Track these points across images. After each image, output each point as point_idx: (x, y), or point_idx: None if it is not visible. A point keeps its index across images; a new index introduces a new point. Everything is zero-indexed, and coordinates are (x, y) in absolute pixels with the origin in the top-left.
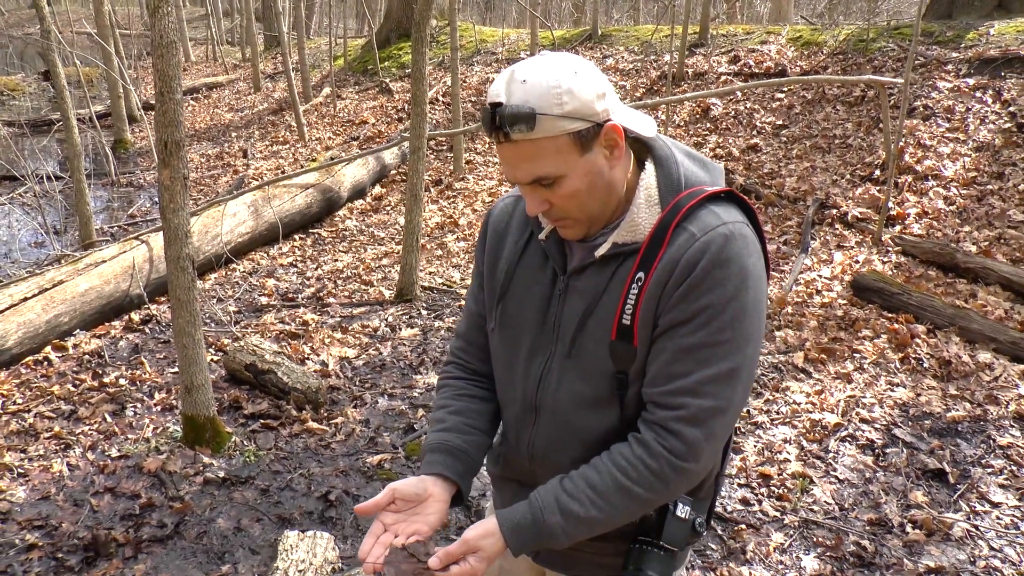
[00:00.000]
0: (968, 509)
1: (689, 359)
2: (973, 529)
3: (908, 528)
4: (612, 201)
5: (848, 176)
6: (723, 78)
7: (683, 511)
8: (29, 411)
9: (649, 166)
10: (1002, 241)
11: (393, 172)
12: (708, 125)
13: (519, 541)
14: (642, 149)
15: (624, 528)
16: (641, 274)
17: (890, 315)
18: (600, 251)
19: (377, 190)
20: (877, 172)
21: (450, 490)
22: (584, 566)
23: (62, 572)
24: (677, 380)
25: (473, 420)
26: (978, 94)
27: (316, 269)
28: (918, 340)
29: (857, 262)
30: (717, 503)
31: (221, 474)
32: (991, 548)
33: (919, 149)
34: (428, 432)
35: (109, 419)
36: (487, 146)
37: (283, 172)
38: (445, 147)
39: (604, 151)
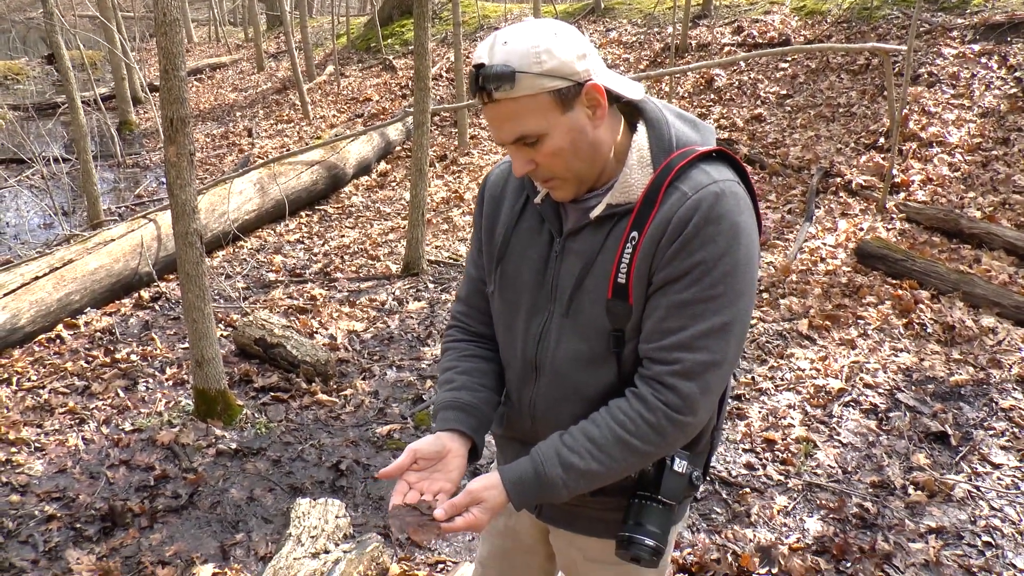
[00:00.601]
0: (969, 470)
1: (683, 314)
2: (974, 490)
3: (910, 490)
4: (599, 161)
5: (852, 144)
6: (727, 49)
7: (680, 465)
8: (44, 387)
9: (641, 128)
10: (1007, 206)
11: (398, 148)
12: (712, 96)
13: (521, 494)
14: (634, 112)
15: (624, 483)
16: (635, 233)
17: (894, 281)
18: (595, 212)
19: (382, 166)
20: (881, 140)
21: (466, 445)
22: (586, 521)
23: (80, 541)
24: (672, 335)
25: (481, 378)
26: (983, 60)
27: (323, 245)
28: (922, 306)
29: (861, 229)
30: (722, 467)
31: (233, 446)
32: (991, 508)
33: (924, 116)
34: (438, 392)
35: (122, 394)
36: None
37: (288, 150)
38: (449, 123)
39: (586, 110)
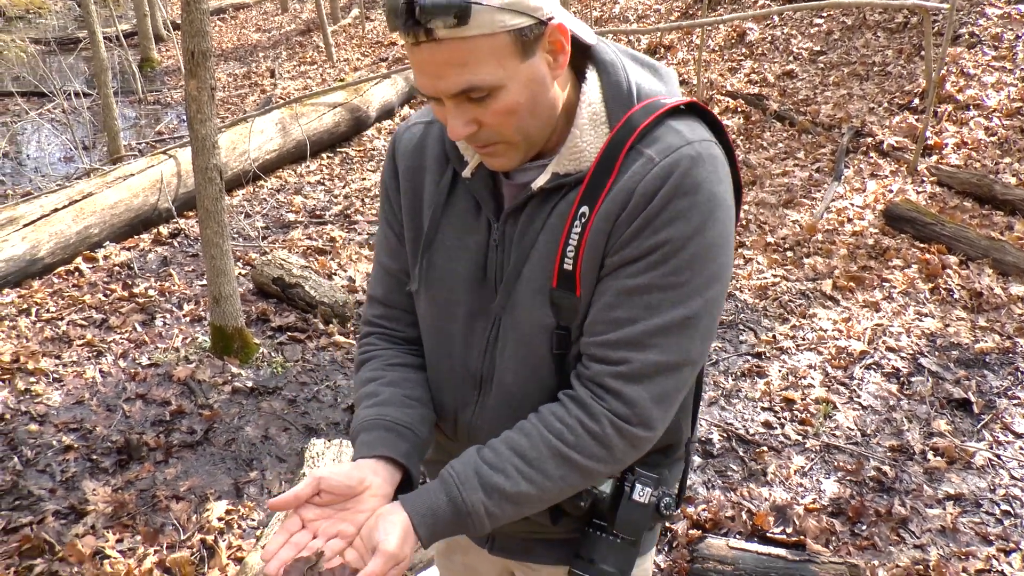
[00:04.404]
0: (991, 439)
1: (635, 303)
2: (995, 458)
3: (930, 455)
4: (551, 122)
5: (886, 104)
6: (760, 2)
7: (641, 493)
8: (62, 319)
9: (591, 76)
10: None
11: None
12: (743, 50)
13: (433, 529)
14: (579, 58)
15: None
16: (585, 208)
17: (922, 245)
18: (538, 182)
19: (406, 111)
20: (916, 101)
21: (395, 476)
22: (545, 548)
23: (97, 473)
24: (619, 328)
25: (412, 391)
26: None
27: (344, 187)
28: (949, 271)
29: (891, 191)
30: (739, 425)
31: (249, 384)
32: (1012, 477)
33: (961, 78)
34: (357, 411)
35: (139, 328)
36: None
37: (311, 92)
38: None
39: (547, 57)
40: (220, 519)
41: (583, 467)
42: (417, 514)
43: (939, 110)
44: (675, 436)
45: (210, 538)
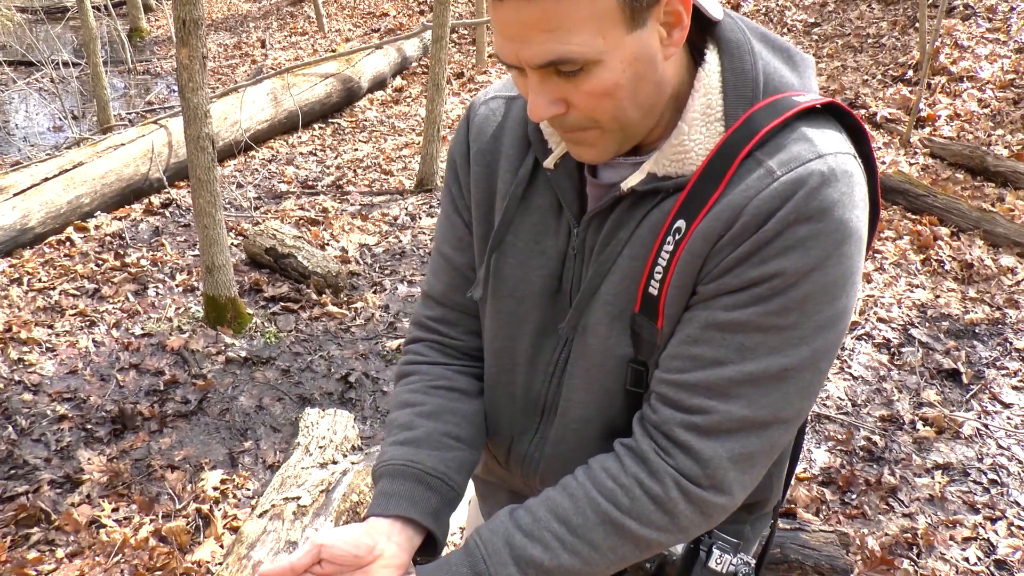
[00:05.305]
0: (979, 409)
1: (725, 342)
2: (983, 428)
3: (919, 425)
4: (657, 110)
5: (879, 76)
6: None
7: (719, 561)
8: (54, 288)
9: (711, 59)
10: None
11: (414, 65)
12: None
13: None
14: (698, 35)
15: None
16: (682, 223)
17: (914, 217)
18: (629, 182)
19: (398, 82)
20: (910, 73)
21: (414, 540)
22: None
23: (92, 442)
24: (701, 369)
25: (454, 427)
26: None
27: (336, 158)
28: (941, 242)
29: (883, 163)
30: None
31: (243, 354)
32: (999, 447)
33: (955, 50)
34: (385, 442)
35: (132, 298)
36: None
37: (303, 62)
38: (468, 40)
39: (660, 30)
40: (215, 488)
41: (639, 537)
42: None
43: (933, 82)
44: (763, 493)
45: (205, 507)
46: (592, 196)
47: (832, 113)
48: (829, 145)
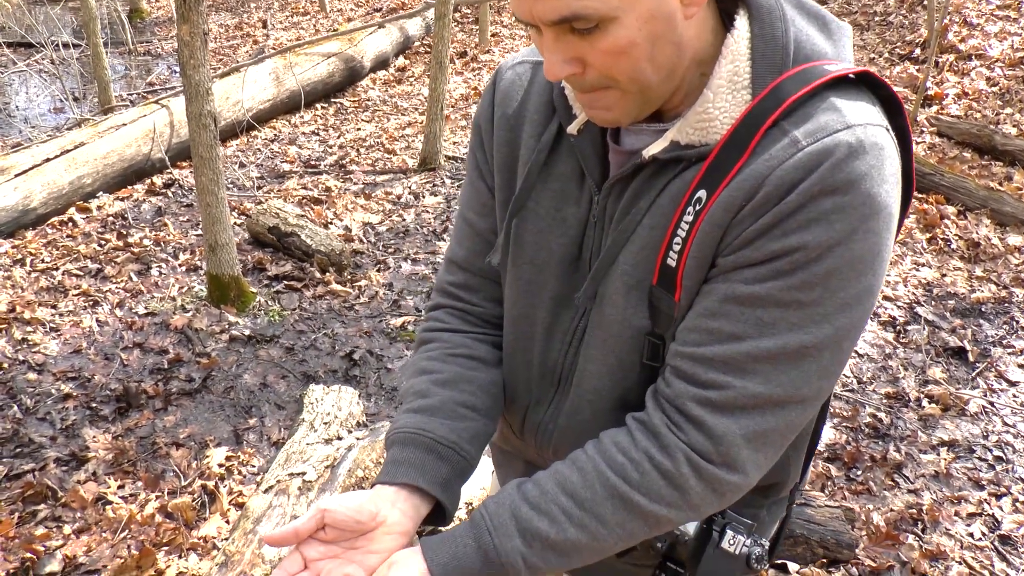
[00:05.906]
0: (985, 386)
1: (744, 316)
2: (988, 406)
3: (924, 403)
4: (677, 73)
5: (887, 55)
6: None
7: (732, 542)
8: (57, 269)
9: (741, 24)
10: None
11: (417, 44)
12: None
13: None
14: (731, 2)
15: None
16: (702, 193)
17: (920, 195)
18: (651, 150)
19: (400, 61)
20: (918, 51)
21: (420, 509)
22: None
23: (96, 421)
24: (718, 343)
25: (470, 396)
26: None
27: (339, 137)
28: (947, 221)
29: None
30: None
31: (246, 332)
32: (1005, 424)
33: (964, 27)
34: (399, 409)
35: (135, 278)
36: (514, 18)
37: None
38: (470, 19)
39: None
40: (220, 465)
41: (648, 513)
42: (438, 564)
43: (940, 60)
44: (780, 474)
45: (211, 484)
46: (614, 163)
47: (866, 83)
48: (859, 116)
